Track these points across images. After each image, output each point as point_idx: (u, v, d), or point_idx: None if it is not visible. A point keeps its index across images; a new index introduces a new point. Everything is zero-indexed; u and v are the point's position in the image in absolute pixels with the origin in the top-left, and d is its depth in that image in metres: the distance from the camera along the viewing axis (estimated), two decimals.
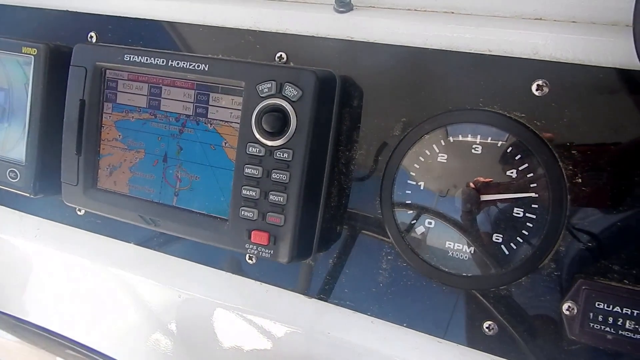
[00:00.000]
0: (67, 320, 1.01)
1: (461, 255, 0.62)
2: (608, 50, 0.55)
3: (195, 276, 0.80)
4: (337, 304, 0.71)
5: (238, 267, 0.76)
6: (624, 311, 0.54)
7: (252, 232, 0.65)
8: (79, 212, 0.85)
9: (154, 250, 0.82)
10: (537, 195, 0.58)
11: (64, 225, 0.89)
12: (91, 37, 0.81)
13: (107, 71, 0.72)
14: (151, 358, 0.91)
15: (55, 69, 0.77)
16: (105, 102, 0.73)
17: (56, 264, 0.92)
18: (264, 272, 0.75)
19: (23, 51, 0.78)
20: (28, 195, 0.81)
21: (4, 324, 0.50)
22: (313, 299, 0.73)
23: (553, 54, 0.57)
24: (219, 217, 0.68)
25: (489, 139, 0.60)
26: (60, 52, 0.77)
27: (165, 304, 0.84)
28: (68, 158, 0.75)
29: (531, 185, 0.58)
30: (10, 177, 0.81)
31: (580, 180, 0.57)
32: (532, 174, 0.58)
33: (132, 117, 0.72)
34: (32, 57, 0.77)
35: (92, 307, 0.91)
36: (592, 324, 0.56)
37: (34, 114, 0.78)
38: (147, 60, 0.68)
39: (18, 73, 0.79)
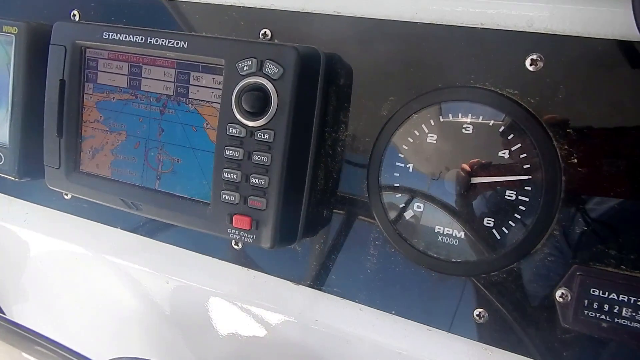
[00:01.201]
0: (51, 305, 1.00)
1: (451, 240, 0.59)
2: (607, 21, 0.51)
3: (183, 262, 0.78)
4: (324, 291, 0.69)
5: (224, 253, 0.74)
6: (621, 298, 0.51)
7: (234, 217, 0.62)
8: (65, 197, 0.84)
9: (141, 235, 0.80)
10: (530, 177, 0.55)
11: (52, 210, 0.87)
12: (74, 15, 0.78)
13: (87, 50, 0.70)
14: (136, 343, 0.90)
15: (37, 49, 0.75)
16: (86, 82, 0.71)
17: (44, 249, 0.91)
18: (251, 258, 0.73)
19: (4, 30, 0.75)
20: (13, 178, 0.80)
21: None
22: (300, 286, 0.70)
23: (548, 26, 0.54)
24: (201, 201, 0.66)
25: (480, 118, 0.57)
26: (42, 30, 0.75)
27: (152, 290, 0.82)
28: (50, 140, 0.73)
29: (524, 167, 0.55)
30: None
31: (575, 160, 0.53)
32: (525, 155, 0.55)
33: (113, 97, 0.70)
34: (13, 36, 0.75)
35: (77, 292, 0.90)
36: (586, 312, 0.53)
37: (17, 95, 0.76)
38: (125, 37, 0.65)
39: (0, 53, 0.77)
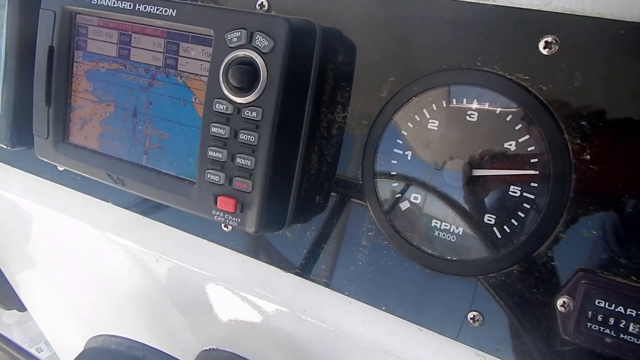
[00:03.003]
0: (47, 274, 1.00)
1: (448, 237, 0.55)
2: (632, 1, 0.45)
3: (174, 242, 0.76)
4: (314, 281, 0.65)
5: (215, 235, 0.71)
6: (628, 312, 0.46)
7: (219, 198, 0.59)
8: (59, 168, 0.82)
9: (132, 211, 0.78)
10: (537, 173, 0.50)
11: (47, 181, 0.85)
12: None
13: (77, 16, 0.66)
14: (122, 317, 0.88)
15: (30, 13, 0.72)
16: (75, 50, 0.68)
17: (40, 219, 0.90)
18: (240, 242, 0.70)
19: None
20: (5, 147, 0.78)
21: None
22: (290, 274, 0.67)
23: (567, 5, 0.48)
24: (187, 180, 0.62)
25: (487, 104, 0.52)
26: None
27: (142, 268, 0.80)
28: (39, 109, 0.70)
29: (531, 161, 0.50)
30: None
31: (588, 157, 0.48)
32: (532, 148, 0.50)
33: (102, 67, 0.66)
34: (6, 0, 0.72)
35: (70, 264, 0.89)
36: (589, 324, 0.48)
37: (9, 61, 0.74)
38: (114, 3, 0.62)
39: None
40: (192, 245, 0.74)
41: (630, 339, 0.46)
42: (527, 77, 0.50)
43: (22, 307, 1.24)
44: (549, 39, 0.48)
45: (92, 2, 0.63)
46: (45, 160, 0.72)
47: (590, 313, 0.48)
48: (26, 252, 1.01)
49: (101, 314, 0.92)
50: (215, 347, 0.84)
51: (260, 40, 0.54)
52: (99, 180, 0.68)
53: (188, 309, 0.81)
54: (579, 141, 0.48)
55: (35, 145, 0.72)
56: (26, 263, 1.05)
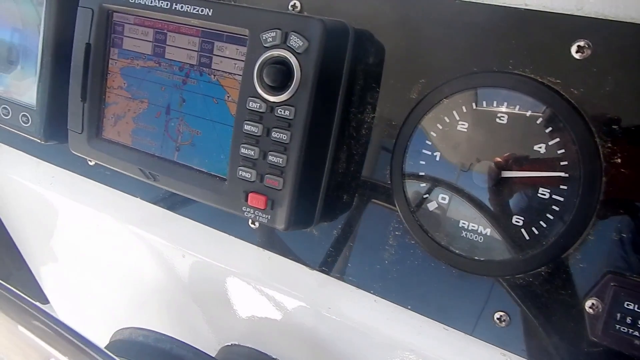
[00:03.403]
0: (72, 267, 1.02)
1: (475, 237, 0.55)
2: None
3: (200, 237, 0.77)
4: (339, 279, 0.66)
5: (242, 231, 0.73)
6: None
7: (250, 195, 0.60)
8: (90, 162, 0.84)
9: (159, 206, 0.79)
10: (567, 175, 0.50)
11: (77, 175, 0.87)
12: None
13: (114, 14, 0.68)
14: (147, 311, 0.90)
15: (66, 10, 0.74)
16: (111, 47, 0.69)
17: (68, 213, 0.92)
18: (267, 239, 0.71)
19: None
20: (39, 141, 0.80)
21: None
22: (315, 271, 0.68)
23: (600, 10, 0.49)
24: (218, 176, 0.64)
25: (517, 107, 0.52)
26: None
27: (168, 262, 0.81)
28: (74, 104, 0.72)
29: (561, 163, 0.50)
30: (22, 121, 0.80)
31: (619, 160, 0.48)
32: (563, 150, 0.50)
33: (137, 64, 0.68)
34: None
35: (96, 257, 0.91)
36: (618, 326, 0.48)
37: (46, 56, 0.76)
38: (151, 2, 0.63)
39: (31, 13, 0.76)
40: (218, 241, 0.75)
41: None
42: (558, 81, 0.50)
43: (45, 300, 1.26)
44: (582, 43, 0.49)
45: (130, 0, 0.65)
46: (78, 154, 0.74)
47: (619, 315, 0.48)
48: (52, 245, 1.04)
49: (124, 308, 0.94)
50: (237, 343, 0.85)
51: (295, 41, 0.55)
52: (131, 175, 0.70)
53: (211, 304, 0.82)
54: (609, 145, 0.48)
55: (70, 139, 0.74)
56: (51, 256, 1.08)
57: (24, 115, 0.79)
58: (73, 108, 0.72)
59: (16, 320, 0.44)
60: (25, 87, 0.79)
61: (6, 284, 0.47)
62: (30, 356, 0.42)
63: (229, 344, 0.85)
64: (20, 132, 0.81)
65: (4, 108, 0.81)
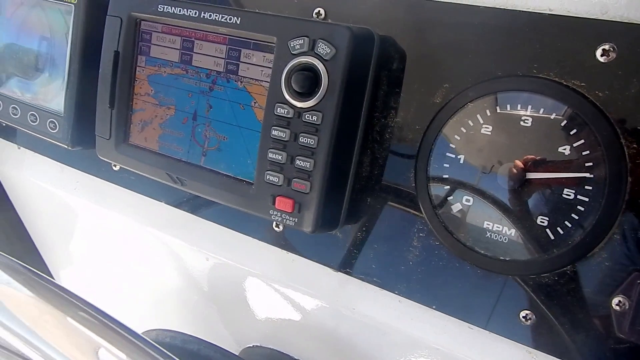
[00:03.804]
0: (95, 272, 1.03)
1: (500, 237, 0.57)
2: None
3: (224, 240, 0.79)
4: (363, 280, 0.67)
5: (265, 234, 0.74)
6: None
7: (277, 198, 0.61)
8: (114, 167, 0.85)
9: (184, 210, 0.81)
10: (592, 176, 0.51)
11: (100, 180, 0.89)
12: None
13: (142, 22, 0.70)
14: (171, 314, 0.91)
15: (94, 19, 0.76)
16: (139, 55, 0.71)
17: (92, 217, 0.93)
18: (291, 241, 0.72)
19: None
20: (65, 146, 0.82)
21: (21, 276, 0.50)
22: (339, 273, 0.69)
23: (625, 14, 0.50)
24: (245, 181, 0.65)
25: (541, 110, 0.53)
26: (100, 1, 0.76)
27: (192, 265, 0.83)
28: (102, 111, 0.74)
29: (586, 165, 0.51)
30: (50, 127, 0.82)
31: None
32: (588, 152, 0.51)
33: (164, 71, 0.70)
34: (73, 5, 0.76)
35: (120, 261, 0.92)
36: None
37: (73, 64, 0.78)
38: (180, 11, 0.65)
39: (59, 22, 0.78)
40: (241, 244, 0.77)
41: None
42: (583, 84, 0.52)
43: None
44: (606, 46, 0.50)
45: (159, 9, 0.66)
46: (106, 160, 0.76)
47: None
48: (74, 250, 1.05)
49: (147, 310, 0.96)
50: (258, 344, 0.86)
51: (323, 48, 0.56)
52: (159, 180, 0.71)
53: (233, 306, 0.84)
54: (635, 145, 0.50)
55: (97, 145, 0.76)
56: (73, 260, 1.10)
57: (51, 121, 0.81)
58: (101, 114, 0.74)
59: (65, 312, 0.45)
60: (53, 94, 0.81)
61: (53, 279, 0.49)
62: (81, 346, 0.43)
63: (251, 345, 0.87)
64: (48, 138, 0.83)
65: (32, 115, 0.83)
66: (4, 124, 0.98)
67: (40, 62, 0.82)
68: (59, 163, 0.94)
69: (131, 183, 0.85)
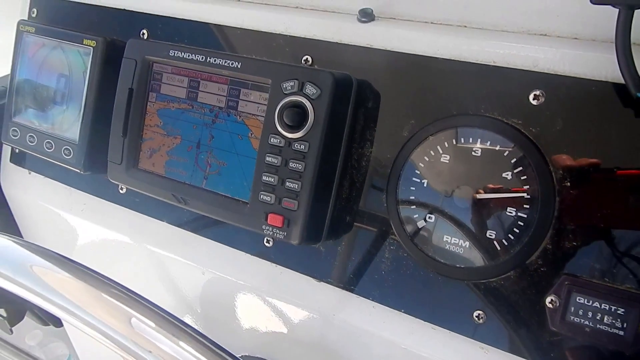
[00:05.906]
0: None
1: (457, 249, 0.67)
2: (603, 65, 0.59)
3: (219, 256, 0.87)
4: (343, 288, 0.77)
5: (257, 249, 0.84)
6: (602, 306, 0.59)
7: (269, 215, 0.72)
8: (121, 191, 0.95)
9: (183, 229, 0.90)
10: (529, 197, 0.63)
11: (107, 202, 0.98)
12: (143, 33, 0.90)
13: (154, 64, 0.81)
14: None
15: (110, 60, 0.87)
16: (150, 92, 0.82)
17: (97, 238, 1.02)
18: (279, 255, 0.82)
19: (84, 43, 0.88)
20: (78, 171, 0.91)
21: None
22: (322, 283, 0.79)
23: (552, 66, 0.62)
24: (241, 200, 0.75)
25: (488, 143, 0.65)
26: (116, 45, 0.87)
27: (190, 280, 0.92)
28: (115, 139, 0.84)
29: (524, 187, 0.63)
30: (64, 154, 0.92)
31: (569, 183, 0.61)
32: (525, 177, 0.63)
33: (173, 106, 0.81)
34: (92, 48, 0.87)
35: (121, 277, 1.01)
36: (572, 317, 0.60)
37: (89, 99, 0.88)
38: (189, 56, 0.77)
39: (78, 62, 0.89)
40: (236, 259, 0.86)
41: (605, 328, 0.58)
42: (520, 122, 0.64)
43: (58, 323, 1.34)
44: (537, 92, 0.62)
45: (170, 54, 0.78)
46: (117, 183, 0.86)
47: (572, 308, 0.60)
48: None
49: None
50: (248, 354, 0.94)
51: (310, 89, 0.68)
52: (165, 200, 0.81)
53: (226, 316, 0.92)
54: (561, 171, 0.61)
55: (109, 169, 0.86)
56: None
57: (66, 148, 0.91)
58: (114, 142, 0.84)
59: (99, 289, 0.55)
60: (68, 124, 0.91)
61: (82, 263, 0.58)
62: (115, 316, 0.53)
63: (240, 355, 0.95)
64: (62, 163, 0.92)
65: (48, 142, 0.93)
66: (17, 151, 1.08)
67: (58, 96, 0.93)
68: (67, 187, 1.03)
69: (135, 204, 0.95)
